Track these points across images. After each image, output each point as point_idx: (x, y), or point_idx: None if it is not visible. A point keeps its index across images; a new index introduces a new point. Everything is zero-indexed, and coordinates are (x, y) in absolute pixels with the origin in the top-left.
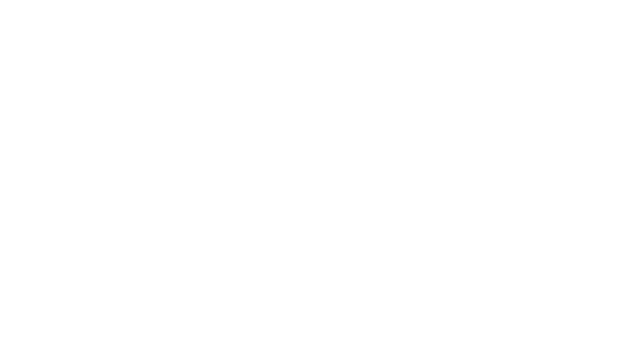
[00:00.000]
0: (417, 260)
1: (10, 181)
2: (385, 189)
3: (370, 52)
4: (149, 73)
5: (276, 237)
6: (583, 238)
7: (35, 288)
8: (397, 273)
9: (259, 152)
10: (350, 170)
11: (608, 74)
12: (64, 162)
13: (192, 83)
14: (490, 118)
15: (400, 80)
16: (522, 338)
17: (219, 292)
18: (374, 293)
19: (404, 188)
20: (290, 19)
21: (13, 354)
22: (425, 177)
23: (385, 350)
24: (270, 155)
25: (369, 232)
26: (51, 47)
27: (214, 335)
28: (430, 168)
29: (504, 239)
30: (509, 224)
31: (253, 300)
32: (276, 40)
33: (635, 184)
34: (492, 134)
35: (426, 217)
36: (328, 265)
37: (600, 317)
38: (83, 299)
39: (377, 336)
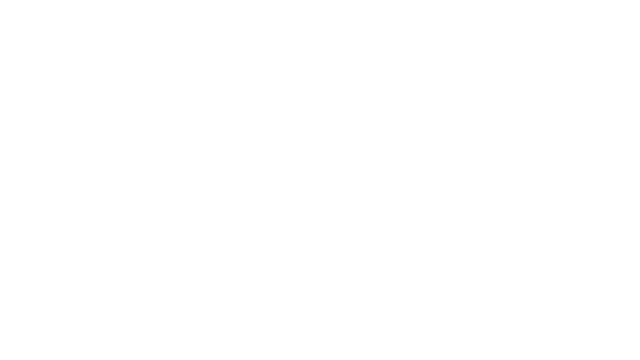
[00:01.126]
0: (417, 260)
1: (10, 181)
2: (385, 189)
3: (370, 52)
4: (149, 73)
5: (276, 237)
6: (583, 238)
7: (35, 288)
8: (397, 273)
9: (259, 152)
10: (350, 170)
11: (608, 74)
12: (64, 162)
13: (192, 83)
14: (490, 118)
15: (400, 80)
16: (522, 338)
17: (219, 292)
18: (373, 293)
19: (404, 188)
20: (290, 19)
21: (13, 354)
22: (425, 177)
23: (385, 350)
24: (270, 155)
25: (368, 232)
26: (51, 47)
27: (214, 335)
28: (430, 168)
29: (504, 239)
30: (509, 224)
31: (253, 301)
32: (276, 40)
33: (636, 184)
34: (492, 134)
35: (426, 217)
36: (327, 265)
37: (600, 317)
38: (83, 299)
39: (377, 336)
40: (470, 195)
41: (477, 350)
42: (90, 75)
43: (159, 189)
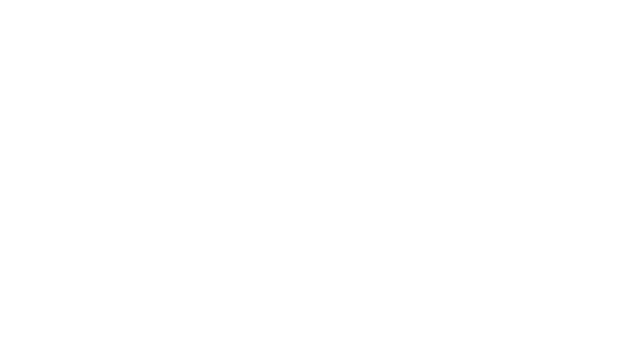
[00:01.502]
0: (417, 260)
1: (10, 181)
2: (385, 189)
3: (370, 52)
4: (149, 73)
5: (276, 237)
6: (583, 238)
7: (35, 288)
8: (397, 273)
9: (259, 152)
10: (350, 170)
11: (608, 74)
12: (64, 162)
13: (192, 83)
14: (490, 118)
15: (400, 80)
16: (522, 338)
17: (219, 292)
18: (373, 293)
19: (404, 188)
20: (290, 19)
21: (13, 354)
22: (425, 177)
23: (385, 350)
24: (270, 156)
25: (368, 232)
26: (51, 47)
27: (214, 335)
28: (430, 168)
29: (504, 239)
30: (509, 224)
31: (253, 301)
32: (276, 40)
33: (636, 184)
34: (492, 134)
35: (426, 217)
36: (327, 265)
37: (601, 317)
38: (83, 299)
39: (377, 336)
40: (470, 195)
41: (476, 350)
42: (90, 75)
43: (159, 189)
